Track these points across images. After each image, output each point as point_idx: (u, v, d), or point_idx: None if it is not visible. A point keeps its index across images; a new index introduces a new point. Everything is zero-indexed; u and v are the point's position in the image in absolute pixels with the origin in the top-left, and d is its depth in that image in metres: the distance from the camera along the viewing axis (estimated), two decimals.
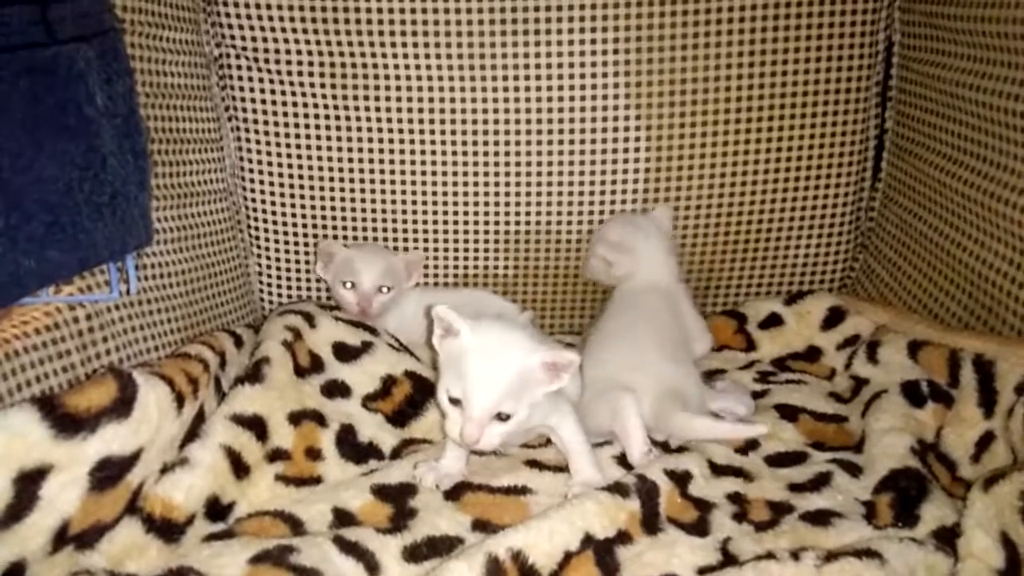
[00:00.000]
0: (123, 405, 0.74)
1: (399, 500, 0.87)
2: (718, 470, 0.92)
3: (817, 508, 0.86)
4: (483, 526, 0.84)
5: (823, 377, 1.16)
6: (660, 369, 1.01)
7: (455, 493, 0.88)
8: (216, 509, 0.82)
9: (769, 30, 1.19)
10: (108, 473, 0.72)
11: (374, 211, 1.31)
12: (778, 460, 0.96)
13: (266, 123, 1.27)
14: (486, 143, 1.26)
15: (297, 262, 1.33)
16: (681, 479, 0.88)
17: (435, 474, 0.89)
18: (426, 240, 1.31)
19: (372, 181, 1.29)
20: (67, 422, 0.69)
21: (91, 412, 0.71)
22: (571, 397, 0.97)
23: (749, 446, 0.98)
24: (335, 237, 1.31)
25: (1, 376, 0.80)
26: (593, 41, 1.21)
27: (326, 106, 1.26)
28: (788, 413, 1.04)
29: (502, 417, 0.82)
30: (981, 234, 1.02)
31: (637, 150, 1.25)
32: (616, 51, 1.21)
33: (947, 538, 0.77)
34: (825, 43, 1.20)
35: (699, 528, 0.84)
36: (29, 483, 0.66)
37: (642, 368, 1.00)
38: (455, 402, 0.82)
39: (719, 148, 1.25)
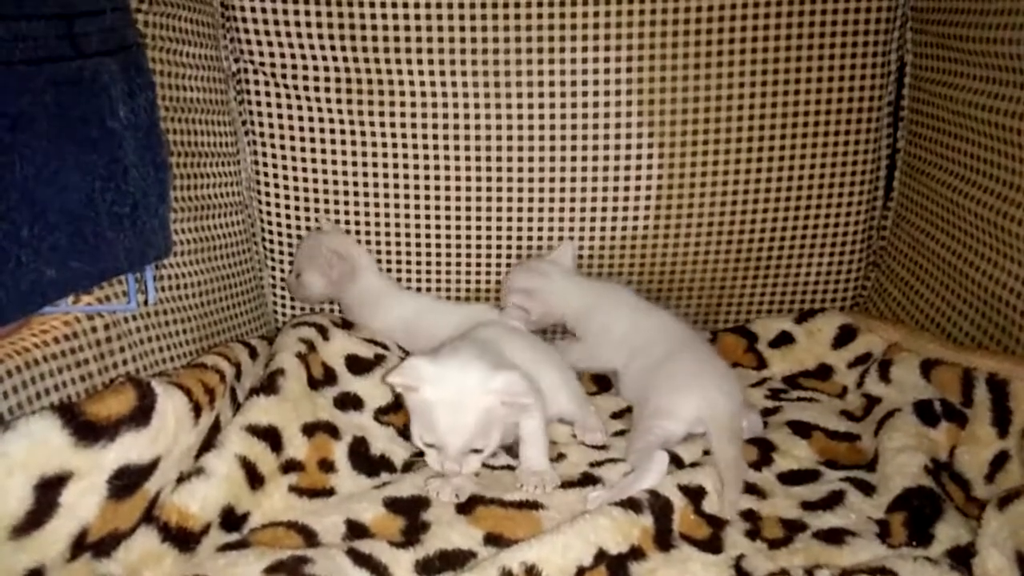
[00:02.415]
0: (142, 414, 0.74)
1: (411, 513, 0.87)
2: None
3: (830, 526, 0.85)
4: (496, 540, 0.84)
5: (834, 395, 1.16)
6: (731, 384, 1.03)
7: (468, 507, 0.88)
8: (231, 519, 0.82)
9: (782, 49, 1.20)
10: (126, 481, 0.72)
11: (387, 226, 1.31)
12: (791, 478, 0.96)
13: (282, 138, 1.28)
14: (499, 159, 1.27)
15: None
16: (695, 495, 0.88)
17: (451, 487, 0.89)
18: (439, 255, 1.32)
19: (387, 196, 1.30)
20: (87, 430, 0.69)
21: (111, 420, 0.71)
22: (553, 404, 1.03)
23: (763, 463, 0.98)
24: None
25: (21, 384, 0.81)
26: (607, 59, 1.22)
27: (342, 121, 1.27)
28: (801, 430, 1.04)
29: (477, 450, 0.90)
30: (994, 253, 1.02)
31: (649, 167, 1.26)
32: (629, 69, 1.22)
33: (962, 558, 0.77)
34: (837, 63, 1.21)
35: (712, 545, 0.84)
36: (49, 490, 0.67)
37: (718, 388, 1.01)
38: (430, 445, 0.91)
39: (730, 167, 1.26)
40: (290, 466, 0.91)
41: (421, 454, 1.00)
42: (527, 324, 1.23)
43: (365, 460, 0.97)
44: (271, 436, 0.90)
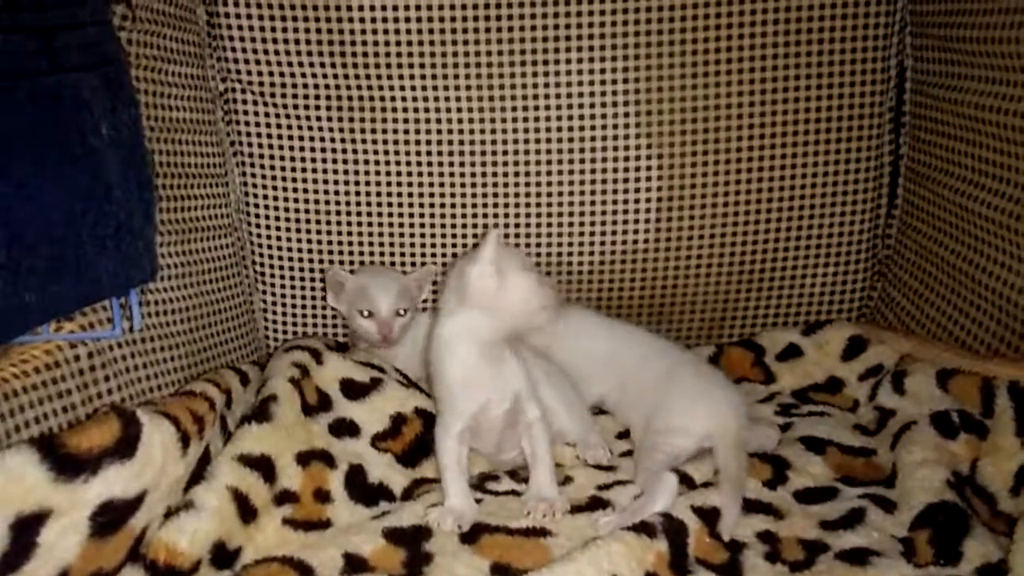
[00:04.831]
0: (126, 445, 0.70)
1: (413, 544, 0.83)
2: (747, 506, 0.88)
3: (853, 546, 0.82)
4: (503, 570, 0.80)
5: (846, 409, 1.13)
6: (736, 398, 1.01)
7: (472, 536, 0.84)
8: (222, 555, 0.78)
9: (780, 57, 1.18)
10: (110, 518, 0.68)
11: (381, 245, 1.28)
12: (808, 496, 0.92)
13: (272, 158, 1.25)
14: (495, 174, 1.24)
15: (303, 298, 1.31)
16: (709, 516, 0.84)
17: (452, 516, 0.85)
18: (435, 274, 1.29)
19: (380, 215, 1.27)
20: (67, 463, 0.65)
21: (92, 453, 0.67)
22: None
23: (777, 481, 0.94)
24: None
25: None
26: (603, 71, 1.20)
27: (332, 140, 1.24)
28: (814, 446, 1.00)
29: None
30: (1007, 257, 1.00)
31: (649, 179, 1.23)
32: (626, 80, 1.20)
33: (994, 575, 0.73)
34: (837, 70, 1.19)
35: (731, 569, 0.80)
36: (27, 529, 0.63)
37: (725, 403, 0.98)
38: None
39: (732, 177, 1.24)
40: (284, 497, 0.87)
41: (423, 483, 0.97)
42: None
43: (362, 489, 0.93)
44: (264, 466, 0.86)
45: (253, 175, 1.26)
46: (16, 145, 0.69)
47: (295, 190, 1.27)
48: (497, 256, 0.86)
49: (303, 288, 1.30)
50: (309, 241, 1.28)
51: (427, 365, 0.97)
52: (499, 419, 0.92)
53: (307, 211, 1.27)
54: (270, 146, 1.25)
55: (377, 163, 1.25)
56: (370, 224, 1.27)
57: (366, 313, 1.15)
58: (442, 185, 1.25)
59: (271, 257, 1.29)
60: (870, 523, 0.86)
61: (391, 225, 1.27)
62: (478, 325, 0.89)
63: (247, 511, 0.82)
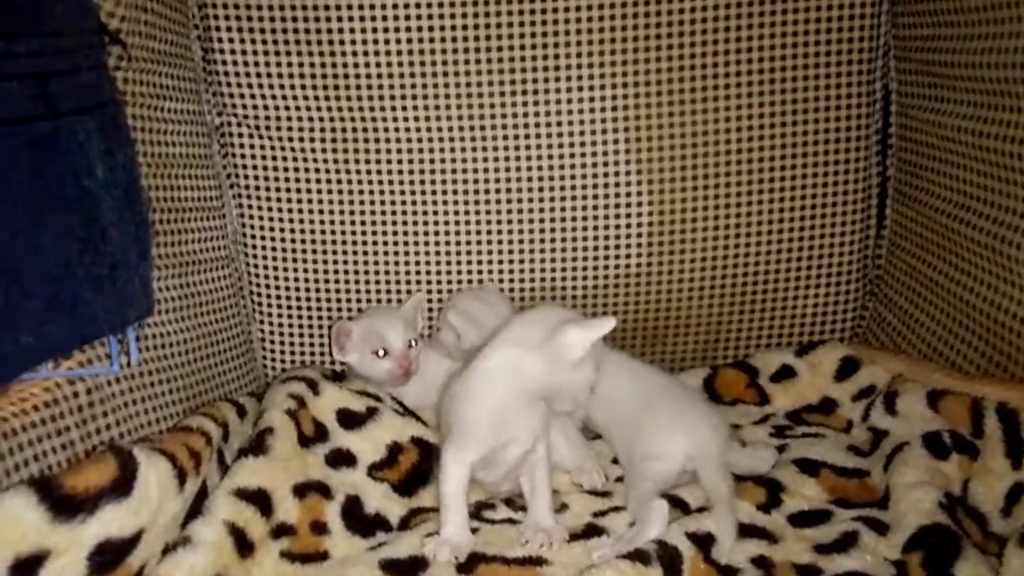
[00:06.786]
0: (123, 484, 0.71)
1: (409, 575, 0.83)
2: (741, 530, 0.88)
3: (846, 570, 0.82)
4: None
5: (840, 430, 1.13)
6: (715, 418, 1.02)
7: (468, 566, 0.85)
8: None
9: (766, 83, 1.20)
10: (107, 557, 0.69)
11: (377, 274, 1.30)
12: (802, 519, 0.93)
13: (268, 190, 1.27)
14: (488, 202, 1.26)
15: (301, 328, 1.32)
16: (703, 542, 0.84)
17: (448, 547, 0.85)
18: (430, 302, 1.30)
19: (375, 244, 1.28)
20: (65, 504, 0.66)
21: (90, 493, 0.68)
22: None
23: (771, 504, 0.94)
24: (338, 302, 1.30)
25: None
26: (592, 99, 1.21)
27: (327, 171, 1.26)
28: (808, 468, 1.01)
29: None
30: (993, 279, 1.01)
31: (640, 204, 1.25)
32: (615, 107, 1.21)
33: None
34: (822, 93, 1.21)
35: None
36: (25, 570, 0.63)
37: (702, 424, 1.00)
38: None
39: (721, 201, 1.25)
40: (281, 530, 0.88)
41: (420, 512, 0.97)
42: (453, 350, 1.17)
43: (359, 520, 0.94)
44: (261, 499, 0.87)
45: (250, 207, 1.27)
46: (11, 192, 0.70)
47: (291, 221, 1.28)
48: (598, 342, 0.86)
49: (301, 318, 1.31)
50: (306, 271, 1.30)
51: (450, 388, 0.95)
52: (515, 458, 0.92)
53: (304, 242, 1.29)
54: (266, 178, 1.26)
55: (372, 192, 1.26)
56: (366, 254, 1.29)
57: (381, 353, 1.12)
58: (436, 214, 1.26)
59: (268, 288, 1.30)
60: (863, 546, 0.86)
61: (387, 254, 1.28)
62: (530, 371, 0.87)
63: (244, 545, 0.83)
